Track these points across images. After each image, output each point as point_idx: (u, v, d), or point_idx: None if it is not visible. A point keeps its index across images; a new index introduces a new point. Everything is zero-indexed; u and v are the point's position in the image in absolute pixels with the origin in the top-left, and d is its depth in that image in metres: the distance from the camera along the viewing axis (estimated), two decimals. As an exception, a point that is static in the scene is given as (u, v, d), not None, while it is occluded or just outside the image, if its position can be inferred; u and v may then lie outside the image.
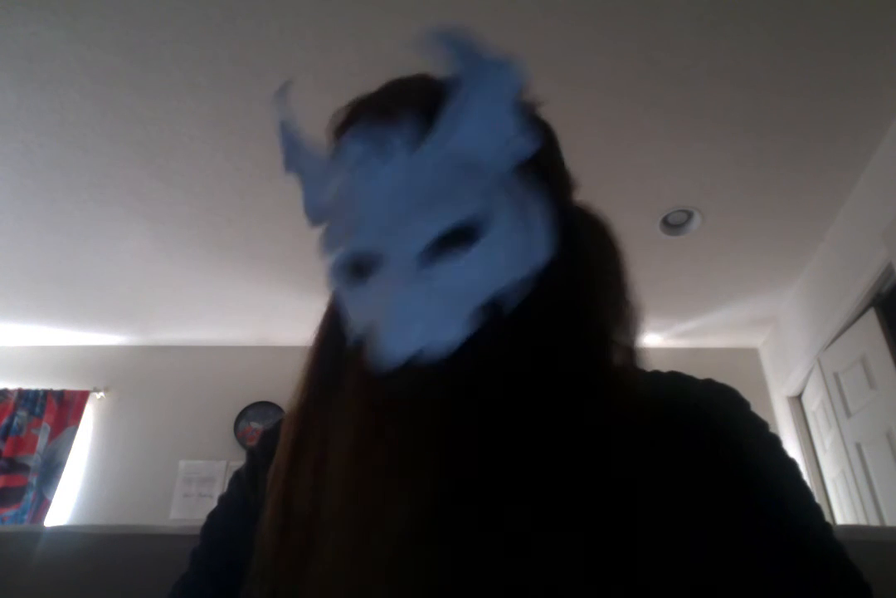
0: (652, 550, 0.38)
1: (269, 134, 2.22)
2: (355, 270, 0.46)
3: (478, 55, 0.46)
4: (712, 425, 0.44)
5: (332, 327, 0.50)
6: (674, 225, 2.57)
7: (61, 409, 3.62)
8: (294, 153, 0.52)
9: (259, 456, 0.56)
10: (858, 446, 2.60)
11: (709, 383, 0.49)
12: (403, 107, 0.46)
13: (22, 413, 3.56)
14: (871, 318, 2.41)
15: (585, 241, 0.50)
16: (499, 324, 0.43)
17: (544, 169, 0.49)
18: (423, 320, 0.41)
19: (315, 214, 0.51)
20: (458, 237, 0.43)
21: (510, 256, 0.44)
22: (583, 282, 0.47)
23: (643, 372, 0.48)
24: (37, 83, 1.85)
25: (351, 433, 0.42)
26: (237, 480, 0.57)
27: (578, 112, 1.94)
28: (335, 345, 0.49)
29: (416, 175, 0.44)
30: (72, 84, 1.86)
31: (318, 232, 0.50)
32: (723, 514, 0.40)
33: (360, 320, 0.45)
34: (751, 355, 3.72)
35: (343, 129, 0.49)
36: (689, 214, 2.51)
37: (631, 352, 0.47)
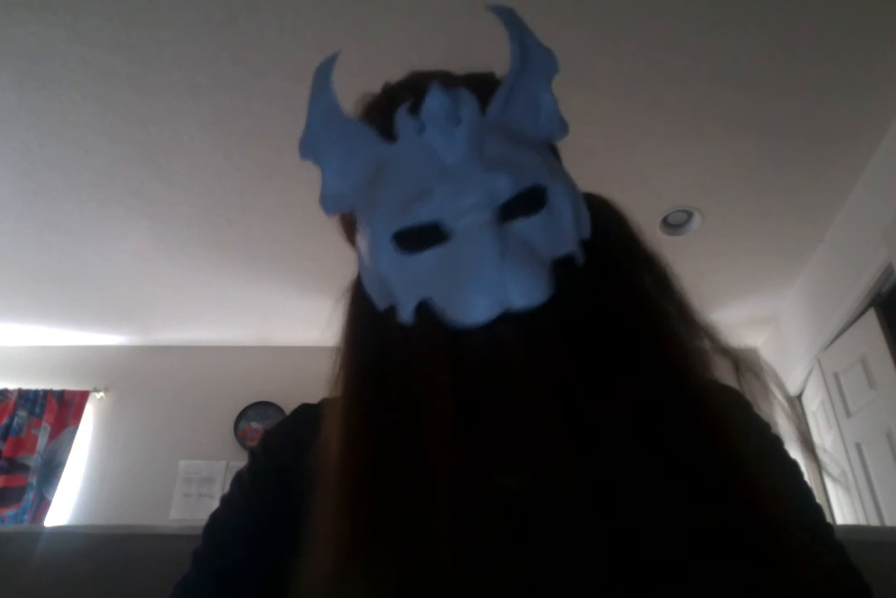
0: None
1: (269, 134, 2.21)
2: (417, 237, 0.44)
3: (529, 36, 0.48)
4: (715, 425, 0.43)
5: (365, 321, 0.48)
6: (674, 225, 2.57)
7: (61, 409, 3.62)
8: (316, 131, 0.49)
9: (261, 456, 0.56)
10: (858, 446, 2.60)
11: (712, 383, 0.49)
12: (453, 85, 0.47)
13: (22, 413, 3.56)
14: (871, 318, 2.41)
15: (604, 215, 0.52)
16: (573, 284, 0.44)
17: (558, 156, 0.52)
18: (512, 277, 0.41)
19: (336, 200, 0.49)
20: (529, 200, 0.44)
21: (573, 217, 0.45)
22: (615, 248, 0.49)
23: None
24: (37, 83, 1.85)
25: (441, 412, 0.39)
26: (238, 481, 0.56)
27: (578, 112, 1.94)
28: (374, 330, 0.47)
29: (481, 143, 0.44)
30: (72, 84, 1.86)
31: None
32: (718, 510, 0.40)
33: (421, 289, 0.44)
34: (751, 355, 3.72)
35: (391, 103, 0.49)
36: (689, 214, 2.51)
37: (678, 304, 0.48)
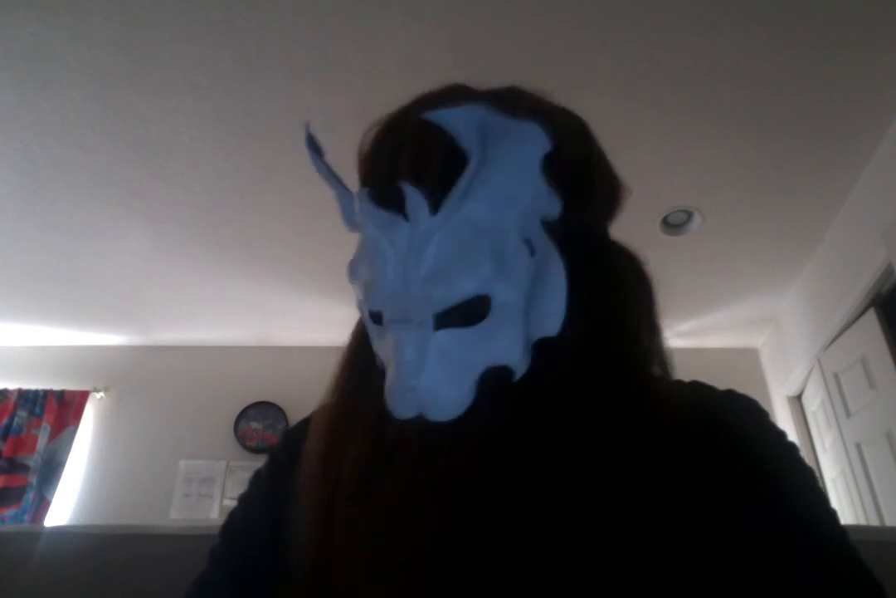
0: (678, 549, 0.39)
1: (269, 134, 2.22)
2: (377, 317, 0.47)
3: (496, 123, 0.43)
4: (732, 435, 0.45)
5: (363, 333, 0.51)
6: (674, 225, 2.57)
7: (61, 409, 3.62)
8: (326, 169, 0.50)
9: (281, 456, 0.57)
10: (858, 446, 2.60)
11: (730, 394, 0.50)
12: (423, 170, 0.46)
13: (22, 413, 3.56)
14: (871, 318, 2.41)
15: (621, 270, 0.51)
16: (549, 355, 0.44)
17: (584, 199, 0.50)
18: (426, 390, 0.43)
19: (353, 221, 0.50)
20: (468, 308, 0.43)
21: (512, 335, 0.44)
22: (623, 310, 0.49)
23: (675, 385, 0.49)
24: (37, 83, 1.85)
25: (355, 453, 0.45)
26: (258, 479, 0.57)
27: (578, 112, 1.94)
28: (367, 352, 0.50)
29: (426, 244, 0.43)
30: (72, 84, 1.86)
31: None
32: (740, 519, 0.41)
33: (380, 357, 0.48)
34: (751, 355, 3.72)
35: (367, 165, 0.51)
36: (689, 214, 2.51)
37: (664, 367, 0.49)
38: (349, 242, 0.52)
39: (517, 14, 1.64)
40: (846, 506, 2.74)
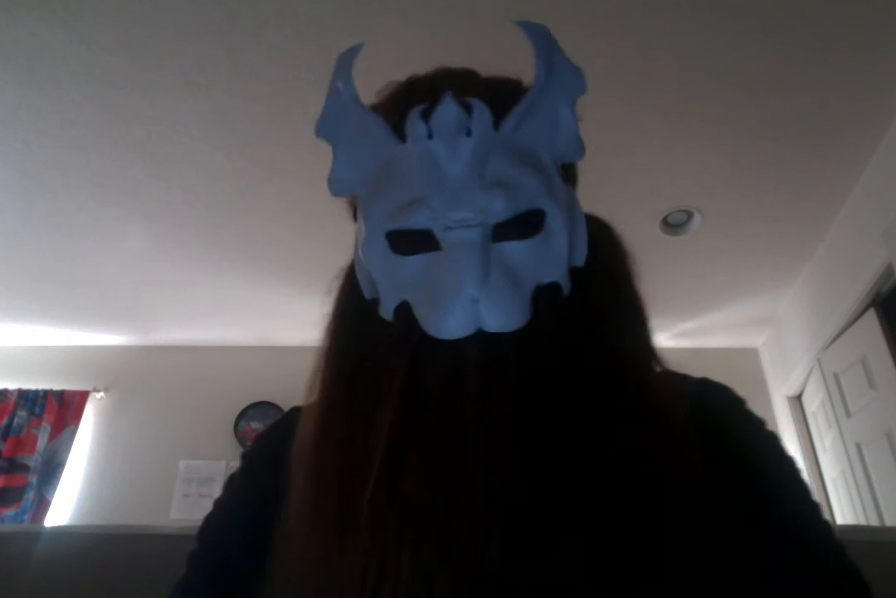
0: (669, 545, 0.38)
1: (269, 134, 2.21)
2: (409, 241, 0.45)
3: (558, 53, 0.47)
4: (709, 423, 0.44)
5: (352, 307, 0.50)
6: (674, 225, 2.57)
7: (61, 409, 3.62)
8: (337, 119, 0.49)
9: (255, 459, 0.56)
10: (858, 446, 2.60)
11: (704, 382, 0.49)
12: (473, 91, 0.46)
13: (22, 413, 3.56)
14: (871, 318, 2.41)
15: (602, 242, 0.52)
16: (552, 312, 0.44)
17: (573, 176, 0.51)
18: (489, 300, 0.42)
19: (343, 185, 0.49)
20: (525, 223, 0.44)
21: (567, 245, 0.45)
22: (603, 281, 0.49)
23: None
24: (37, 83, 1.85)
25: (387, 421, 0.41)
26: (231, 483, 0.57)
27: (578, 112, 1.94)
28: (357, 320, 0.48)
29: (486, 158, 0.44)
30: (72, 84, 1.86)
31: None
32: (721, 511, 0.40)
33: (403, 290, 0.45)
34: (751, 355, 3.72)
35: (408, 102, 0.48)
36: (689, 214, 2.51)
37: (646, 348, 0.49)
38: (349, 242, 0.52)
39: (517, 14, 1.64)
40: (846, 506, 2.74)
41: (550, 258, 0.44)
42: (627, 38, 1.72)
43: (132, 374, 3.79)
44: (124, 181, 2.31)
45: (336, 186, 0.49)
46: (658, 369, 0.49)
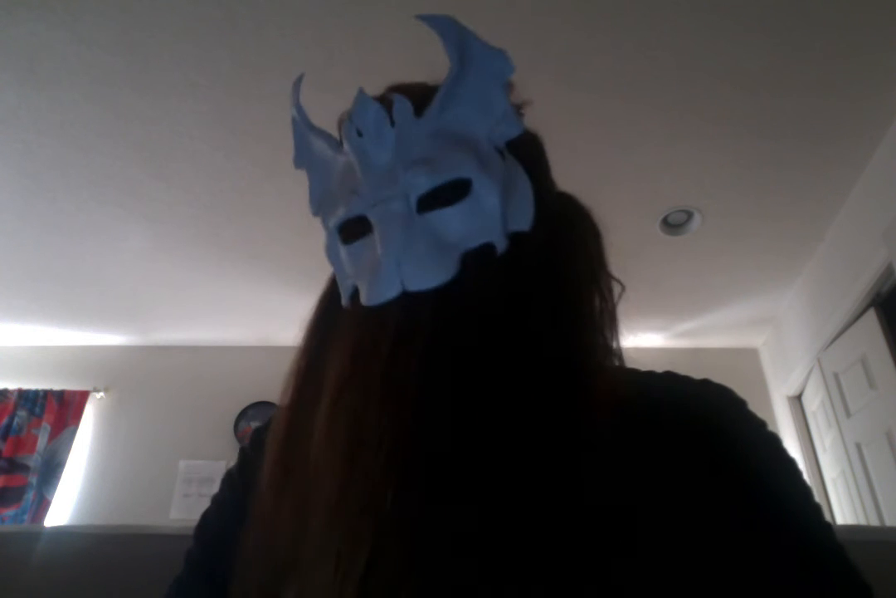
0: (648, 548, 0.38)
1: (269, 134, 2.21)
2: (351, 230, 0.49)
3: (471, 40, 0.49)
4: (709, 425, 0.43)
5: (326, 310, 0.52)
6: (674, 225, 2.57)
7: (61, 409, 3.62)
8: (304, 148, 0.55)
9: (251, 455, 0.56)
10: (858, 446, 2.60)
11: (705, 383, 0.48)
12: (407, 92, 0.49)
13: (22, 413, 3.56)
14: (871, 318, 2.41)
15: (569, 216, 0.53)
16: (480, 272, 0.45)
17: (526, 155, 0.52)
18: (410, 262, 0.44)
19: (317, 203, 0.53)
20: (451, 192, 0.46)
21: (499, 209, 0.46)
22: (564, 249, 0.50)
23: (645, 375, 0.48)
24: (37, 83, 1.85)
25: (330, 387, 0.43)
26: (229, 479, 0.56)
27: (578, 112, 1.94)
28: (327, 317, 0.51)
29: (411, 144, 0.47)
30: (72, 84, 1.86)
31: (318, 226, 0.51)
32: (721, 513, 0.40)
33: (351, 275, 0.48)
34: (751, 355, 3.72)
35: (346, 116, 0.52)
36: (689, 214, 2.51)
37: (588, 333, 0.48)
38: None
39: (516, 14, 1.64)
40: (846, 506, 2.74)
41: (481, 221, 0.46)
42: (627, 38, 1.72)
43: (132, 374, 3.79)
44: (124, 181, 2.31)
45: (314, 205, 0.54)
46: (617, 363, 0.49)
